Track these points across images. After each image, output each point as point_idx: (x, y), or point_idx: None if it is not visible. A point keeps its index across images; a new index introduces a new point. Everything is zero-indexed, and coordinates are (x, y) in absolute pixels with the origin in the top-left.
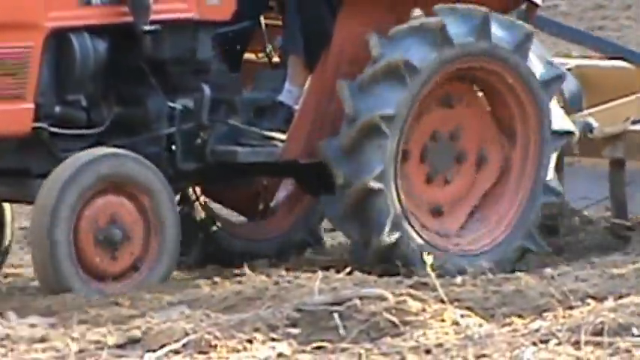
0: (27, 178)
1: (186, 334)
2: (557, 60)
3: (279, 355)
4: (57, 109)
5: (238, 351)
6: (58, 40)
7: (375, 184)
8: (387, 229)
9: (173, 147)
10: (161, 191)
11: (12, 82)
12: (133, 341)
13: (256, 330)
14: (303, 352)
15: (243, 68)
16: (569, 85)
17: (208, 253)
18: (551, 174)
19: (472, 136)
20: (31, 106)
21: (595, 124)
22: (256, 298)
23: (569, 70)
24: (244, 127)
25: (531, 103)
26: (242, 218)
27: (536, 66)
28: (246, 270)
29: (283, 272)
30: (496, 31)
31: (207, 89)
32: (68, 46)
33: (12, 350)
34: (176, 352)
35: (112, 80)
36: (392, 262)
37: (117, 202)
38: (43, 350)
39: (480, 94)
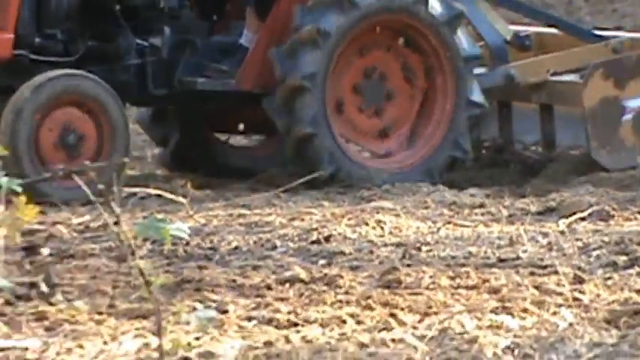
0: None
1: (591, 206)
2: (517, 28)
3: None
4: (37, 40)
5: (630, 220)
6: None
7: (303, 82)
8: (305, 122)
9: (145, 74)
10: (110, 102)
11: None
12: (550, 210)
13: None
14: None
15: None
16: (495, 39)
17: (185, 146)
18: (474, 90)
19: (398, 73)
20: (11, 36)
21: (515, 73)
22: None
23: (528, 35)
24: (203, 62)
25: (437, 38)
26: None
27: (437, 9)
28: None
29: None
30: None
31: (167, 31)
32: None
33: (457, 213)
34: (582, 219)
35: (86, 19)
36: (306, 157)
37: (72, 112)
38: (482, 214)
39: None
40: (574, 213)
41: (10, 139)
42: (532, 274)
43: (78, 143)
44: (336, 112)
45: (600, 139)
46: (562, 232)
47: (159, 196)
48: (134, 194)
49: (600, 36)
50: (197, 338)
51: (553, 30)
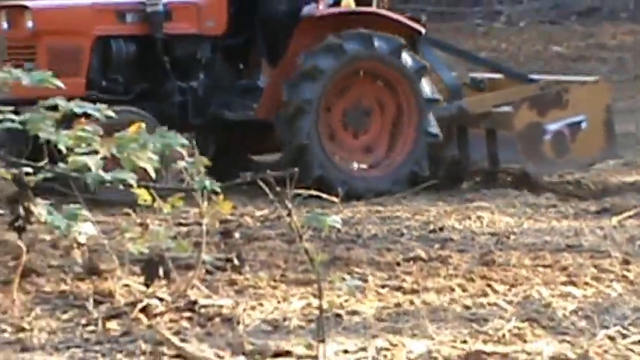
0: None
1: (636, 207)
2: (476, 75)
3: None
4: (103, 83)
5: None
6: (102, 42)
7: (303, 105)
8: (303, 135)
9: (186, 109)
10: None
11: (72, 65)
12: (605, 210)
13: None
14: None
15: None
16: (451, 80)
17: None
18: (431, 125)
19: (375, 106)
20: (84, 80)
21: (466, 106)
22: None
23: (482, 80)
24: (230, 99)
25: (407, 83)
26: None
27: (408, 61)
28: None
29: None
30: (378, 42)
31: (202, 76)
32: (109, 47)
33: (536, 211)
34: (630, 217)
35: (140, 67)
36: (301, 162)
37: None
38: (555, 212)
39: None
40: (623, 212)
41: None
42: (591, 257)
43: None
44: (330, 138)
45: (528, 154)
46: (614, 227)
47: (317, 196)
48: (299, 194)
49: (534, 79)
50: (346, 300)
51: (499, 75)
